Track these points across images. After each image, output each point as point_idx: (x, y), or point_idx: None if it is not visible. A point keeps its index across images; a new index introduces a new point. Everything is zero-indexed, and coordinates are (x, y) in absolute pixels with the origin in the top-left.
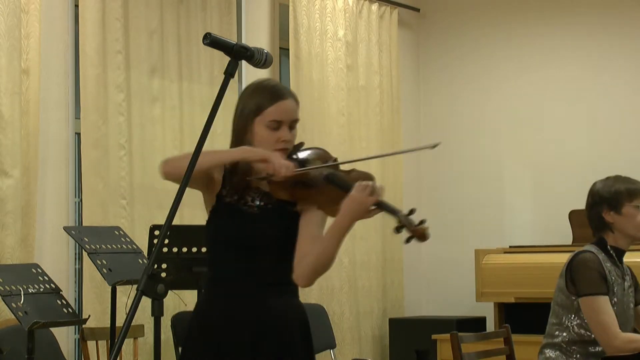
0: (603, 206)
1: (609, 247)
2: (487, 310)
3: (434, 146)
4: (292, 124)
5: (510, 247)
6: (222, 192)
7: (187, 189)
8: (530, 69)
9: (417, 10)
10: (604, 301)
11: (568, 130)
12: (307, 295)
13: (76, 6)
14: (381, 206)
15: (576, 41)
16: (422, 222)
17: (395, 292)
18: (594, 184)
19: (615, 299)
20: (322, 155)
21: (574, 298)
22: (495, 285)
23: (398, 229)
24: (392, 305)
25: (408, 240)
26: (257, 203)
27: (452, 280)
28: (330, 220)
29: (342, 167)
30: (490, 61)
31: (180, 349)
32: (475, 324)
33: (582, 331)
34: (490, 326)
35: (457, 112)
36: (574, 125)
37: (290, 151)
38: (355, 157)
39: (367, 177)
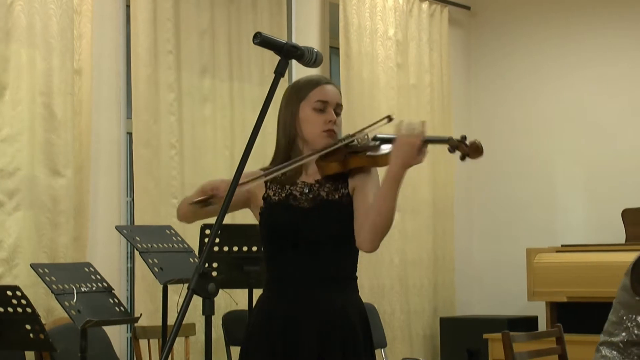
0: None
1: None
2: (539, 310)
3: (389, 118)
4: (337, 109)
5: (562, 246)
6: (269, 193)
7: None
8: (582, 66)
9: (468, 8)
10: None
11: (620, 127)
12: None
13: (127, 7)
14: (429, 140)
15: (629, 38)
16: (467, 139)
17: (447, 291)
18: None
19: None
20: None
21: (638, 298)
22: (547, 285)
23: (453, 148)
24: (443, 304)
25: (463, 158)
26: (307, 196)
27: (504, 279)
28: None
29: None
30: (541, 59)
31: (241, 347)
32: (527, 324)
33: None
34: (542, 326)
35: (508, 110)
36: (627, 123)
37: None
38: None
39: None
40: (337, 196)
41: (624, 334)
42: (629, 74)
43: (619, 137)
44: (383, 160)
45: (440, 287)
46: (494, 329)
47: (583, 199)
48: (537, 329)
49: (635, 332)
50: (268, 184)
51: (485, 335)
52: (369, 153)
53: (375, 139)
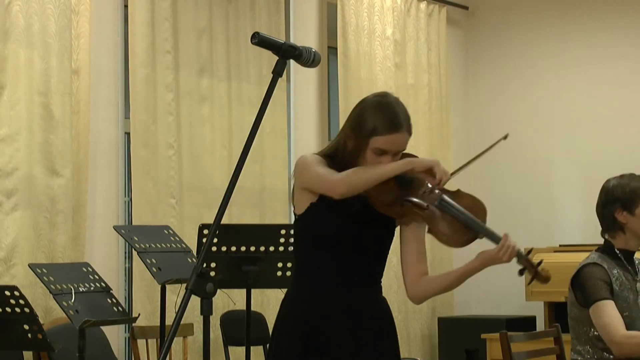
0: (617, 205)
1: (616, 250)
2: (537, 310)
3: (505, 137)
4: (397, 154)
5: (560, 245)
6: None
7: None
8: (580, 66)
9: (466, 8)
10: (607, 304)
11: (619, 127)
12: None
13: (125, 6)
14: (518, 261)
15: (627, 37)
16: (539, 263)
17: None
18: (607, 181)
19: (626, 305)
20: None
21: (585, 310)
22: (545, 285)
23: (521, 272)
24: (442, 304)
25: (530, 282)
26: (358, 203)
27: (502, 279)
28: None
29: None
30: (539, 58)
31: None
32: (525, 324)
33: (601, 343)
34: (541, 325)
35: (506, 110)
36: (625, 122)
37: None
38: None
39: (484, 210)
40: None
41: (587, 347)
42: (627, 73)
43: (617, 136)
44: (447, 240)
45: None
46: (492, 329)
47: (581, 199)
48: (535, 329)
49: (594, 342)
50: None
51: (483, 335)
52: (435, 226)
53: (442, 204)
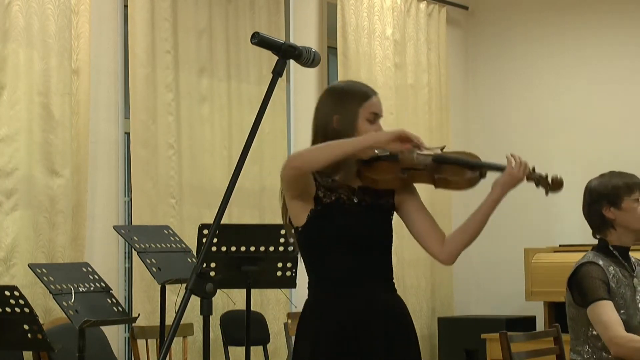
0: (602, 203)
1: (611, 247)
2: (537, 310)
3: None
4: (377, 115)
5: (560, 245)
6: (319, 194)
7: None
8: (580, 66)
9: (466, 8)
10: (604, 304)
11: (618, 127)
12: None
13: (125, 6)
14: (531, 177)
15: (628, 36)
16: (554, 177)
17: (445, 291)
18: (589, 182)
19: (623, 302)
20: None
21: (583, 310)
22: (545, 285)
23: (537, 185)
24: (441, 304)
25: (547, 193)
26: (355, 200)
27: (502, 279)
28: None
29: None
30: (539, 58)
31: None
32: (525, 324)
33: (600, 343)
34: (540, 325)
35: (506, 110)
36: (625, 122)
37: None
38: None
39: (473, 154)
40: (380, 202)
41: (587, 347)
42: (628, 73)
43: (617, 136)
44: (458, 184)
45: (438, 287)
46: (492, 329)
47: (581, 199)
48: (535, 329)
49: (593, 342)
50: (318, 184)
51: (483, 335)
52: (442, 176)
53: (437, 159)
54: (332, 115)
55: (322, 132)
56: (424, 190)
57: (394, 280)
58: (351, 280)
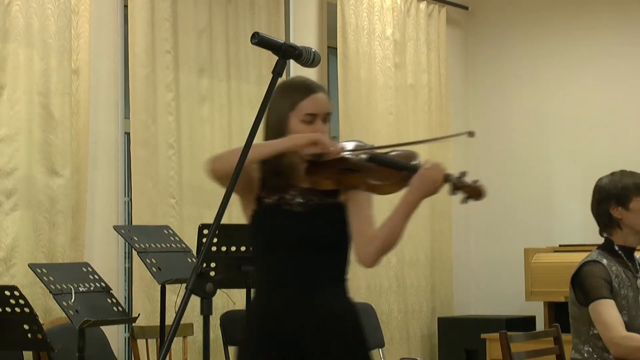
0: (611, 202)
1: (616, 247)
2: (536, 310)
3: (470, 134)
4: (326, 117)
5: (560, 246)
6: (262, 194)
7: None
8: (580, 66)
9: (466, 8)
10: (607, 303)
11: (619, 127)
12: (355, 294)
13: (125, 6)
14: (448, 179)
15: (628, 36)
16: (476, 181)
17: (444, 291)
18: (599, 180)
19: (625, 302)
20: (359, 144)
21: (585, 309)
22: (544, 285)
23: (454, 191)
24: (441, 304)
25: (465, 200)
26: (299, 200)
27: (502, 279)
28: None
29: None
30: (539, 58)
31: (237, 349)
32: (524, 323)
33: (601, 342)
34: (540, 325)
35: (506, 110)
36: (625, 122)
37: None
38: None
39: (412, 154)
40: (329, 200)
41: (587, 347)
42: (628, 73)
43: (617, 136)
44: (384, 190)
45: (438, 287)
46: (491, 329)
47: (581, 199)
48: (535, 329)
49: (594, 341)
50: (264, 184)
51: (483, 335)
52: (370, 181)
53: (378, 160)
54: (271, 112)
55: (265, 128)
56: None
57: (344, 281)
58: (284, 282)
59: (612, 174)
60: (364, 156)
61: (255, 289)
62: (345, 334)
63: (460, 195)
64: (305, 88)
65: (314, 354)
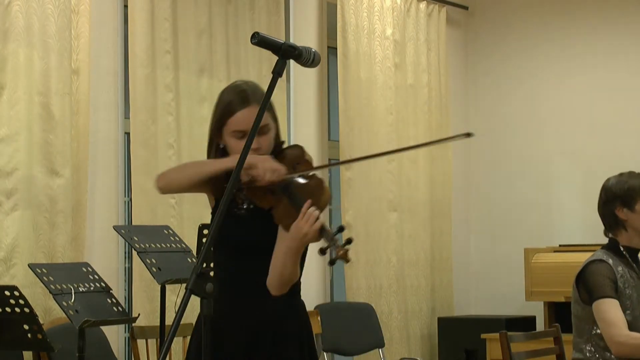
0: (616, 203)
1: (621, 247)
2: (536, 310)
3: (468, 135)
4: (261, 130)
5: (560, 246)
6: (218, 196)
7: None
8: (580, 66)
9: (466, 8)
10: (610, 302)
11: (618, 127)
12: (355, 294)
13: (125, 6)
14: (322, 233)
15: (628, 38)
16: (348, 241)
17: (444, 291)
18: (607, 180)
19: (629, 302)
20: (296, 156)
21: (588, 308)
22: (545, 285)
23: (323, 251)
24: (441, 304)
25: (332, 262)
26: (245, 206)
27: (502, 279)
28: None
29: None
30: (539, 59)
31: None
32: (524, 323)
33: (603, 342)
34: (540, 325)
35: (506, 111)
36: (625, 123)
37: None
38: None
39: (317, 189)
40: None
41: (589, 346)
42: (627, 74)
43: (617, 136)
44: (283, 225)
45: (438, 287)
46: (491, 329)
47: (581, 199)
48: (535, 329)
49: (596, 341)
50: (224, 185)
51: (483, 335)
52: (278, 208)
53: (285, 189)
54: (211, 122)
55: (209, 137)
56: (423, 187)
57: (294, 286)
58: (232, 283)
59: (620, 174)
60: (287, 180)
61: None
62: (284, 335)
63: (329, 255)
64: (232, 104)
65: (252, 355)
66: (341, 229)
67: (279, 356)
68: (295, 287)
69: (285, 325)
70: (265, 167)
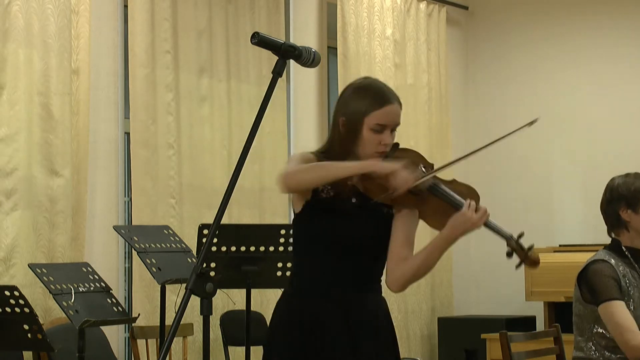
0: (621, 203)
1: (623, 248)
2: (536, 310)
3: (532, 123)
4: (394, 128)
5: (560, 246)
6: (319, 187)
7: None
8: (579, 66)
9: (466, 8)
10: (619, 305)
11: (618, 127)
12: None
13: (125, 6)
14: (488, 227)
15: (627, 37)
16: (530, 247)
17: (444, 291)
18: (612, 179)
19: (633, 301)
20: (417, 156)
21: (590, 307)
22: (545, 285)
23: (509, 254)
24: (441, 304)
25: (518, 266)
26: (353, 201)
27: (502, 279)
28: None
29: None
30: (538, 58)
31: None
32: (524, 324)
33: (604, 341)
34: (540, 325)
35: (506, 110)
36: (624, 123)
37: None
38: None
39: (472, 191)
40: (381, 207)
41: (590, 344)
42: (627, 73)
43: (617, 136)
44: (433, 222)
45: (438, 287)
46: (491, 329)
47: (581, 199)
48: (535, 329)
49: (597, 340)
50: None
51: (483, 335)
52: (424, 209)
53: (435, 191)
54: (340, 115)
55: (331, 130)
56: None
57: (379, 285)
58: (327, 280)
59: (627, 175)
60: (428, 182)
61: (291, 284)
62: (382, 333)
63: (515, 259)
64: (382, 97)
65: (352, 354)
66: (521, 235)
67: (378, 349)
68: (380, 286)
69: (382, 320)
70: (404, 178)
